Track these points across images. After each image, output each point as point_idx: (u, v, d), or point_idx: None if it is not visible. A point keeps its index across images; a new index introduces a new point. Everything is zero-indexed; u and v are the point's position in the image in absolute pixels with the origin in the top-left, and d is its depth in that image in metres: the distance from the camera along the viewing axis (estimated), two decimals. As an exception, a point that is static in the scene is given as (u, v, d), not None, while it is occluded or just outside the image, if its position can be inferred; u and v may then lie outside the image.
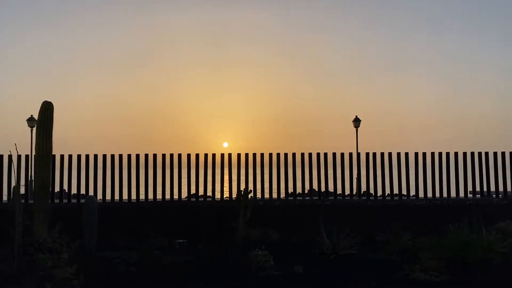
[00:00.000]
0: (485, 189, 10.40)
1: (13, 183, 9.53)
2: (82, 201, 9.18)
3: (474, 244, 7.49)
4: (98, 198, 9.72)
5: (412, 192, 10.51)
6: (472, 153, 10.49)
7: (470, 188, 10.60)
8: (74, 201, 9.99)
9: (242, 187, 9.90)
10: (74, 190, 10.27)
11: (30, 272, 5.63)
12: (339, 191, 10.54)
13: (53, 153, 8.86)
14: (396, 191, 10.75)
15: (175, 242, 8.65)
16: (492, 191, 10.42)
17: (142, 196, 10.23)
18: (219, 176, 10.15)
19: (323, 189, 10.28)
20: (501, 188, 10.53)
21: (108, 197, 10.12)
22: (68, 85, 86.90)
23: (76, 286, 5.25)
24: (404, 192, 10.78)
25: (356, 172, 10.65)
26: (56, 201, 9.82)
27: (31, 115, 22.63)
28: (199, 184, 10.28)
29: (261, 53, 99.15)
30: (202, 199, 10.27)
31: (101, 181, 9.98)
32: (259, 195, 10.18)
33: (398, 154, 10.40)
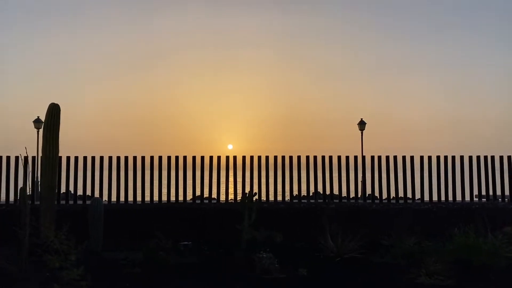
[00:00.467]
0: (491, 193, 10.36)
1: (20, 185, 9.63)
2: (88, 202, 9.23)
3: (480, 248, 7.46)
4: (103, 199, 9.78)
5: (418, 196, 10.48)
6: (478, 157, 10.45)
7: (476, 192, 10.56)
8: (80, 202, 10.06)
9: (247, 189, 9.91)
10: (80, 192, 10.34)
11: (37, 273, 5.67)
12: (343, 193, 10.53)
13: (59, 155, 8.92)
14: (401, 194, 10.73)
15: (180, 244, 8.67)
16: (498, 195, 10.38)
17: (147, 198, 10.27)
18: (224, 178, 10.17)
19: (328, 191, 10.28)
20: (507, 192, 10.48)
21: (114, 198, 10.18)
22: (74, 86, 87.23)
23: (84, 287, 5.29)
24: (409, 195, 10.76)
25: (361, 175, 10.64)
26: (62, 202, 9.88)
27: (38, 117, 22.75)
28: (204, 186, 10.31)
29: (266, 55, 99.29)
30: (207, 201, 10.29)
31: (107, 183, 10.03)
32: (264, 197, 10.20)
33: (404, 157, 10.38)
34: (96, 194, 9.94)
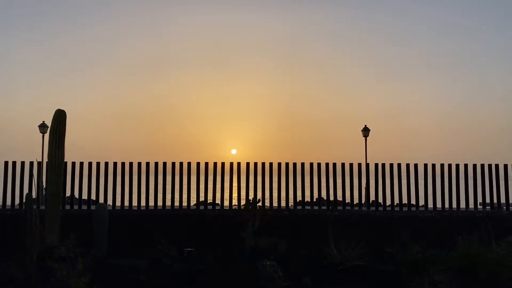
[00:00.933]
0: (495, 201, 10.34)
1: (25, 189, 9.70)
2: (93, 207, 9.28)
3: (484, 257, 7.44)
4: (108, 203, 9.83)
5: (421, 203, 10.48)
6: (482, 165, 10.45)
7: (480, 200, 10.54)
8: (84, 207, 10.11)
9: (251, 195, 9.95)
10: (84, 196, 10.40)
11: (44, 279, 5.71)
12: (347, 200, 10.55)
13: (64, 160, 8.99)
14: (405, 201, 10.72)
15: (184, 250, 8.69)
16: (502, 203, 10.36)
17: (151, 203, 10.31)
18: (228, 183, 10.21)
19: (331, 198, 10.29)
20: (511, 200, 10.46)
21: (118, 203, 10.23)
22: (79, 91, 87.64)
23: (90, 295, 5.33)
24: (413, 202, 10.74)
25: (364, 182, 10.65)
26: (67, 207, 9.94)
27: (43, 121, 22.88)
28: (208, 192, 10.34)
29: (271, 60, 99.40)
30: (211, 207, 10.33)
31: (112, 188, 10.09)
32: (267, 204, 10.22)
33: (407, 165, 10.39)
34: (101, 200, 9.99)
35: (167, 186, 10.18)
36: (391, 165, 10.43)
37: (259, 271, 7.01)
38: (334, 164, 10.37)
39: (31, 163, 9.76)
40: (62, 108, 8.88)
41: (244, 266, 7.57)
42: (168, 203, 10.25)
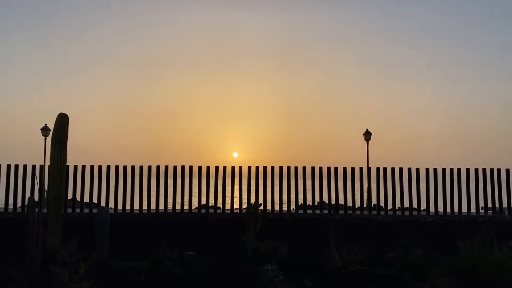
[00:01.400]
0: (497, 205, 10.32)
1: (27, 192, 9.73)
2: (94, 210, 9.30)
3: (486, 261, 7.43)
4: (109, 207, 9.85)
5: (423, 207, 10.47)
6: (484, 169, 10.43)
7: (482, 204, 10.52)
8: (86, 210, 10.13)
9: (252, 199, 9.95)
10: (86, 199, 10.43)
11: (46, 283, 5.72)
12: (349, 203, 10.54)
13: (67, 164, 9.02)
14: (406, 205, 10.71)
15: (185, 253, 8.70)
16: (505, 208, 10.34)
17: (153, 206, 10.34)
18: (229, 187, 10.23)
19: (333, 202, 10.29)
20: (513, 205, 10.44)
21: (120, 206, 10.25)
22: (79, 93, 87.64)
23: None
24: (414, 206, 10.74)
25: (366, 186, 10.65)
26: (69, 210, 9.96)
27: (45, 124, 22.99)
28: (210, 195, 10.35)
29: (272, 63, 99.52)
30: (212, 210, 10.34)
31: (113, 192, 10.12)
32: (269, 207, 10.23)
33: (409, 169, 10.38)
34: (103, 202, 10.02)
35: (168, 190, 10.20)
36: (393, 169, 10.42)
37: (260, 274, 7.00)
38: (336, 168, 10.37)
39: (33, 166, 9.79)
40: (63, 111, 8.93)
41: (245, 269, 7.57)
42: (170, 206, 10.26)
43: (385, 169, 10.44)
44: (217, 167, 10.32)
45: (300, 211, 10.28)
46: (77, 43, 77.99)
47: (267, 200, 10.20)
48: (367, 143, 26.09)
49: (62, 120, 8.77)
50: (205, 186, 10.24)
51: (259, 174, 10.32)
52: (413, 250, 8.35)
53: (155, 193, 10.23)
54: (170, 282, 7.00)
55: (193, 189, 10.28)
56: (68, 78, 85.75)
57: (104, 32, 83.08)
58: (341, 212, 10.40)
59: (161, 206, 10.20)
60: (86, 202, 10.59)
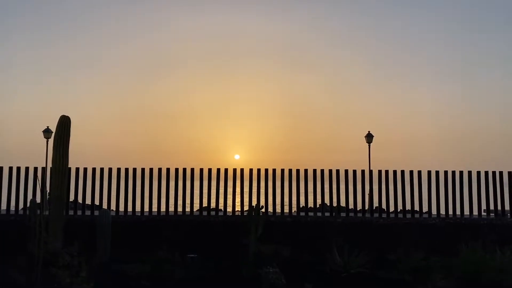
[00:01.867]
0: (499, 208, 10.30)
1: (29, 195, 9.74)
2: (96, 212, 9.31)
3: (487, 264, 7.42)
4: (111, 208, 9.85)
5: (425, 210, 10.44)
6: (486, 172, 10.41)
7: (484, 207, 10.49)
8: (88, 212, 10.14)
9: (254, 201, 9.95)
10: (87, 201, 10.43)
11: (47, 286, 5.72)
12: (351, 206, 10.52)
13: (68, 166, 9.03)
14: (408, 208, 10.69)
15: (187, 256, 8.70)
16: (507, 211, 10.31)
17: (154, 209, 10.34)
18: (231, 189, 10.22)
19: (334, 204, 10.27)
20: (515, 208, 10.42)
21: (121, 209, 10.25)
22: (80, 94, 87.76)
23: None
24: (416, 208, 10.71)
25: (368, 188, 10.63)
26: (70, 212, 9.97)
27: (47, 127, 23.03)
28: (211, 198, 10.35)
29: (274, 65, 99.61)
30: (214, 212, 10.33)
31: (115, 194, 10.12)
32: (270, 210, 10.22)
33: (411, 172, 10.36)
34: (104, 206, 10.02)
35: (170, 192, 10.20)
36: (395, 172, 10.41)
37: (262, 277, 7.00)
38: (338, 171, 10.36)
39: (35, 169, 9.81)
40: (65, 113, 8.94)
41: (247, 272, 7.56)
42: (171, 208, 10.26)
43: (386, 171, 10.42)
44: (218, 170, 10.32)
45: (302, 214, 10.27)
46: (79, 45, 78.22)
47: (268, 203, 10.19)
48: (369, 145, 26.07)
49: (64, 122, 8.78)
50: (206, 188, 10.24)
51: (260, 177, 10.32)
52: (415, 253, 8.35)
53: (156, 195, 10.23)
54: (172, 286, 6.99)
55: (194, 191, 10.28)
56: (69, 78, 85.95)
57: (107, 34, 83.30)
58: (343, 214, 10.38)
59: (163, 209, 10.19)
60: (87, 204, 10.59)
